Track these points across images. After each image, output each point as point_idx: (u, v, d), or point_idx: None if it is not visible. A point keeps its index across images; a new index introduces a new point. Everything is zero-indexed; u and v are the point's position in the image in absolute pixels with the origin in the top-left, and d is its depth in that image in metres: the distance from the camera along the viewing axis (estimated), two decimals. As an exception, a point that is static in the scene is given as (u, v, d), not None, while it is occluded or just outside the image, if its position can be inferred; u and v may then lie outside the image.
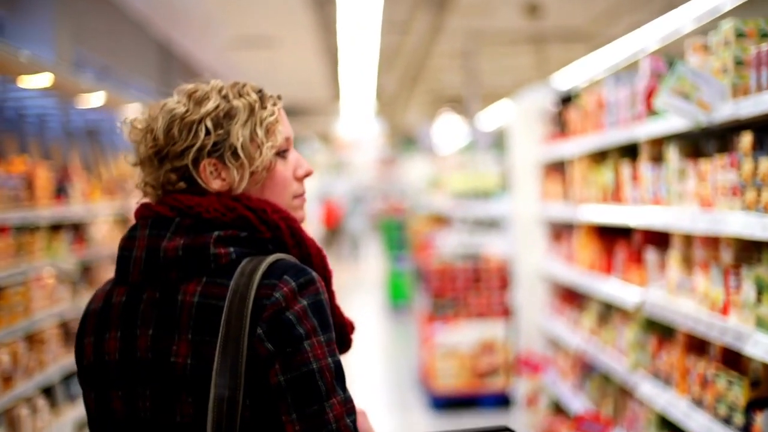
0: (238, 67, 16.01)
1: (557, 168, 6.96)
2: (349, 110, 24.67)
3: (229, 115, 2.16)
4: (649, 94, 4.65)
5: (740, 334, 3.54)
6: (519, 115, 7.58)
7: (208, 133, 2.15)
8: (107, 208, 10.02)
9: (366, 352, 13.45)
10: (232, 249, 2.10)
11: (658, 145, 4.66)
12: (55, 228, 8.40)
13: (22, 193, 7.40)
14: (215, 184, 2.17)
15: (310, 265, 2.18)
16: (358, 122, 28.27)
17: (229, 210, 2.13)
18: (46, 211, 7.82)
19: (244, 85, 2.23)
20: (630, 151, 5.26)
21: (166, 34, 13.74)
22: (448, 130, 20.54)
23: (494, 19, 13.75)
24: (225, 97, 2.19)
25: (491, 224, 11.95)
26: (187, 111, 2.16)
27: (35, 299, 7.57)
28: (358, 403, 2.13)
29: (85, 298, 8.89)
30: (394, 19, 13.46)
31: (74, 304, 8.63)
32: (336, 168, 35.39)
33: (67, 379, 8.42)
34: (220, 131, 2.15)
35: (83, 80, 8.10)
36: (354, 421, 2.05)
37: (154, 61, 13.92)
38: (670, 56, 4.65)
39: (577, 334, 6.24)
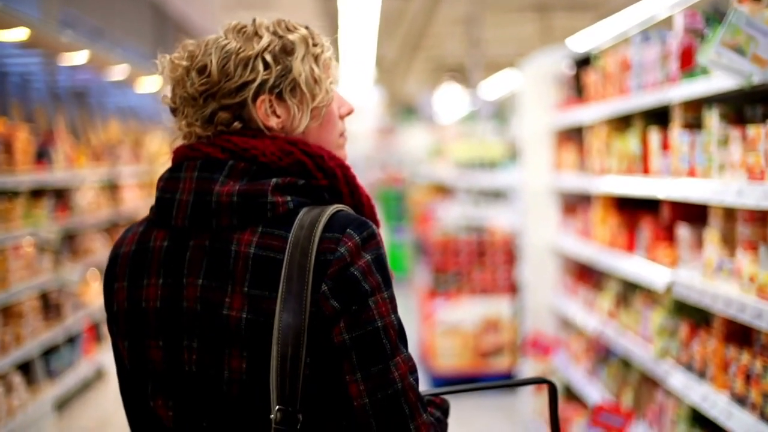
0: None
1: (572, 136, 6.51)
2: (348, 77, 24.37)
3: (286, 49, 2.10)
4: (685, 52, 4.19)
5: (798, 324, 3.08)
6: (530, 80, 7.10)
7: (267, 67, 2.07)
8: (94, 173, 9.62)
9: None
10: (289, 198, 2.02)
11: (693, 109, 4.18)
12: (37, 194, 8.01)
13: (0, 157, 6.99)
14: (272, 121, 2.09)
15: (361, 214, 2.11)
16: (357, 90, 27.97)
17: (286, 154, 2.05)
18: (25, 177, 7.42)
19: (288, 21, 2.16)
20: (657, 117, 4.80)
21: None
22: (449, 99, 20.25)
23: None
24: (275, 33, 2.11)
25: (497, 195, 11.51)
26: (240, 47, 2.07)
27: (13, 270, 7.21)
28: None
29: (68, 268, 8.50)
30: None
31: (56, 275, 8.22)
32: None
33: (46, 354, 8.02)
34: (279, 66, 2.08)
35: (64, 36, 7.65)
36: (417, 380, 2.00)
37: (148, 23, 13.55)
38: (708, 11, 4.18)
39: (592, 315, 5.80)
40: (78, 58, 8.15)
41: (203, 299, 1.99)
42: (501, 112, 16.56)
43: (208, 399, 2.00)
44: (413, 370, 2.00)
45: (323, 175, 2.08)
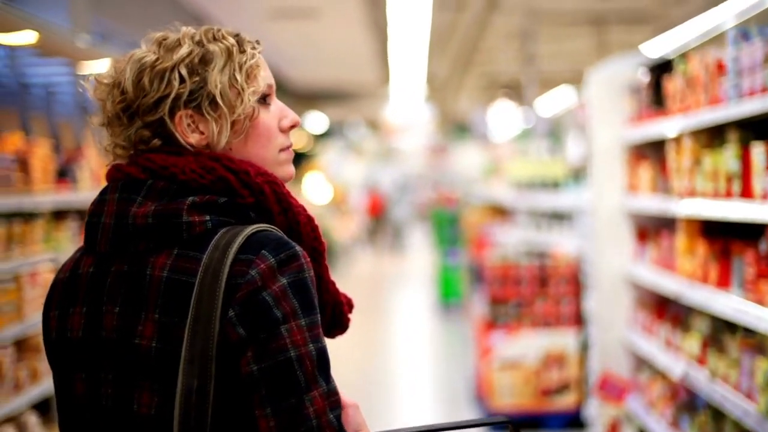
0: (275, 41, 15.30)
1: (647, 152, 5.82)
2: (399, 94, 24.05)
3: (205, 60, 1.98)
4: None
5: None
6: (599, 90, 6.42)
7: (182, 81, 1.95)
8: (124, 193, 9.07)
9: (413, 358, 12.50)
10: (208, 217, 1.91)
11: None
12: (59, 216, 7.44)
13: (15, 176, 6.42)
14: (193, 138, 1.98)
15: (298, 236, 1.99)
16: (407, 107, 27.64)
17: (208, 171, 1.94)
18: (45, 197, 6.85)
19: (219, 30, 2.04)
20: (758, 129, 4.10)
21: (199, 6, 12.93)
22: (503, 117, 19.82)
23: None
24: (199, 43, 2.00)
25: (560, 217, 10.82)
26: (158, 59, 1.97)
27: (29, 299, 6.62)
28: (350, 396, 1.95)
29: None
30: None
31: (80, 304, 7.64)
32: (384, 155, 34.70)
33: (68, 390, 7.43)
34: (196, 78, 1.97)
35: (88, 44, 7.12)
36: (338, 417, 1.84)
37: (188, 35, 13.14)
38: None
39: (673, 356, 5.08)
40: (98, 67, 7.61)
41: (119, 328, 1.91)
42: (556, 130, 16.05)
43: None
44: (335, 406, 1.84)
45: (249, 193, 1.95)
